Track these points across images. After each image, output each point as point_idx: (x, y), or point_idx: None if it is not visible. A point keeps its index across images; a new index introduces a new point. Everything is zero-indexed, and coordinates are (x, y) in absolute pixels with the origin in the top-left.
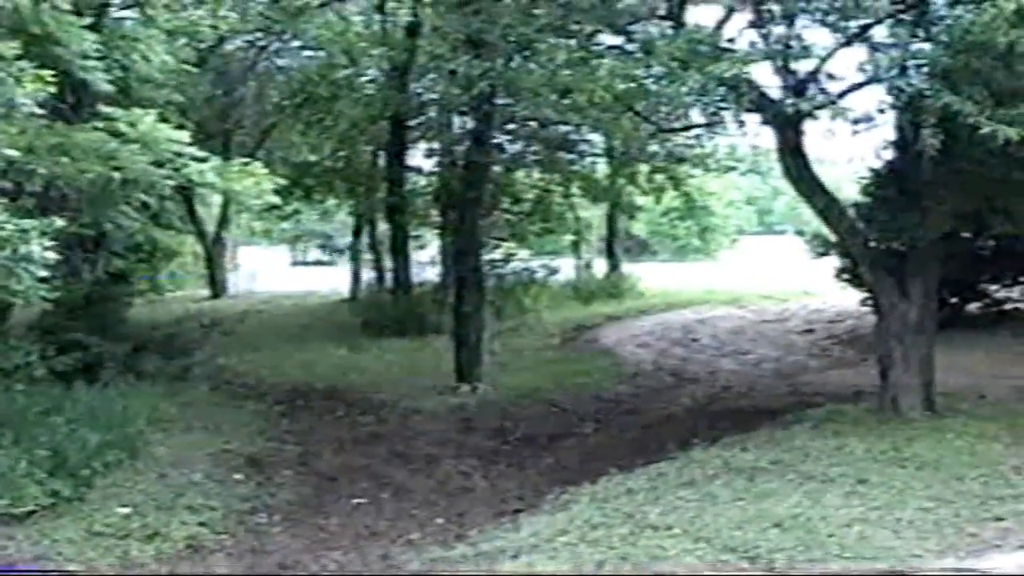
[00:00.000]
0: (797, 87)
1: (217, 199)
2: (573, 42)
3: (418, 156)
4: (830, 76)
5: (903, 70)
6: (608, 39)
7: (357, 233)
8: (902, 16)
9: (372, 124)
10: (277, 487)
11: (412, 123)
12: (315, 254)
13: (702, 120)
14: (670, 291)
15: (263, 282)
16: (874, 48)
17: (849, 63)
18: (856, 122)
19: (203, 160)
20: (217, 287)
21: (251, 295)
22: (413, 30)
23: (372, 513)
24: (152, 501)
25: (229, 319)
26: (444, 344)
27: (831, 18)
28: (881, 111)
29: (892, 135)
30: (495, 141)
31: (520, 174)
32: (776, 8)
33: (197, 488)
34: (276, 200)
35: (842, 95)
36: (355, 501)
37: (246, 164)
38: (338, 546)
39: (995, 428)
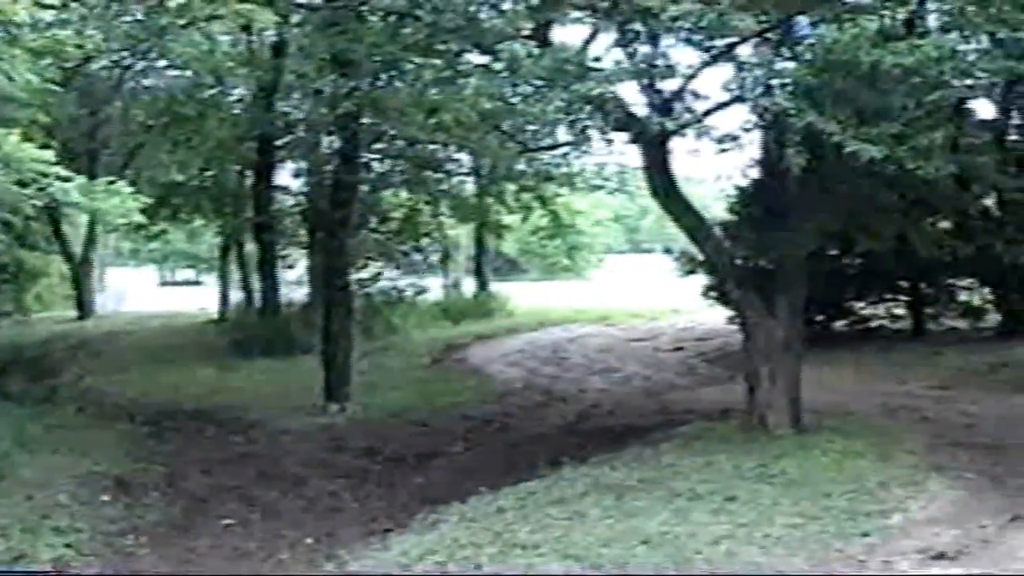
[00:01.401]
0: (663, 106)
1: (84, 219)
2: (439, 61)
3: (286, 175)
4: (696, 95)
5: (768, 89)
6: (475, 58)
7: (225, 253)
8: (767, 35)
9: (239, 143)
10: (145, 508)
11: (279, 142)
12: (184, 274)
13: (569, 139)
14: (539, 310)
15: (131, 302)
16: (739, 67)
17: (715, 82)
18: (721, 141)
19: (68, 180)
20: (84, 308)
21: (119, 316)
22: (279, 50)
23: (241, 534)
24: (18, 523)
25: (96, 340)
26: (313, 364)
27: (696, 37)
28: (747, 130)
29: (758, 154)
30: (362, 160)
31: (388, 193)
32: (641, 27)
33: (64, 510)
34: (142, 220)
35: (707, 114)
36: (224, 522)
37: (112, 183)
38: (206, 567)
39: (861, 444)
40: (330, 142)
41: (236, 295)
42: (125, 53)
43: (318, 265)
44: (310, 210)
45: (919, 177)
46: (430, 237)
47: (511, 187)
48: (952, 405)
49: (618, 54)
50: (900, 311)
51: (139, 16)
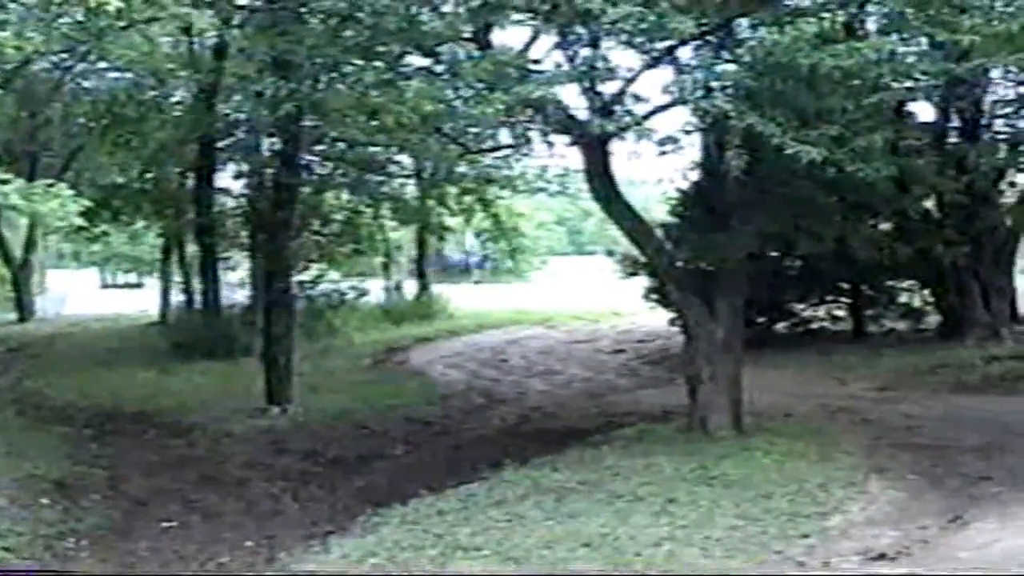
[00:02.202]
0: (603, 108)
1: (24, 221)
2: (380, 64)
3: (227, 177)
4: (636, 97)
5: (708, 91)
6: (416, 61)
7: (166, 255)
8: (707, 38)
9: (180, 145)
10: (85, 511)
11: (220, 144)
12: (125, 277)
13: (510, 141)
14: (481, 312)
15: (72, 305)
16: (680, 70)
17: (656, 85)
18: (662, 143)
19: (7, 182)
20: (24, 310)
21: (60, 318)
22: (220, 51)
23: (181, 537)
24: None
25: (37, 342)
26: (254, 366)
27: (637, 40)
28: (687, 132)
29: (699, 156)
30: (304, 162)
31: (329, 195)
32: (581, 30)
33: (2, 513)
34: (82, 222)
35: (648, 116)
36: (164, 525)
37: (52, 186)
38: (146, 570)
39: (802, 446)
40: (271, 144)
41: (177, 297)
42: (65, 55)
43: (260, 267)
44: (251, 212)
45: (859, 179)
46: (372, 239)
47: (453, 189)
48: (892, 406)
49: (558, 57)
50: (841, 313)
51: (79, 17)
